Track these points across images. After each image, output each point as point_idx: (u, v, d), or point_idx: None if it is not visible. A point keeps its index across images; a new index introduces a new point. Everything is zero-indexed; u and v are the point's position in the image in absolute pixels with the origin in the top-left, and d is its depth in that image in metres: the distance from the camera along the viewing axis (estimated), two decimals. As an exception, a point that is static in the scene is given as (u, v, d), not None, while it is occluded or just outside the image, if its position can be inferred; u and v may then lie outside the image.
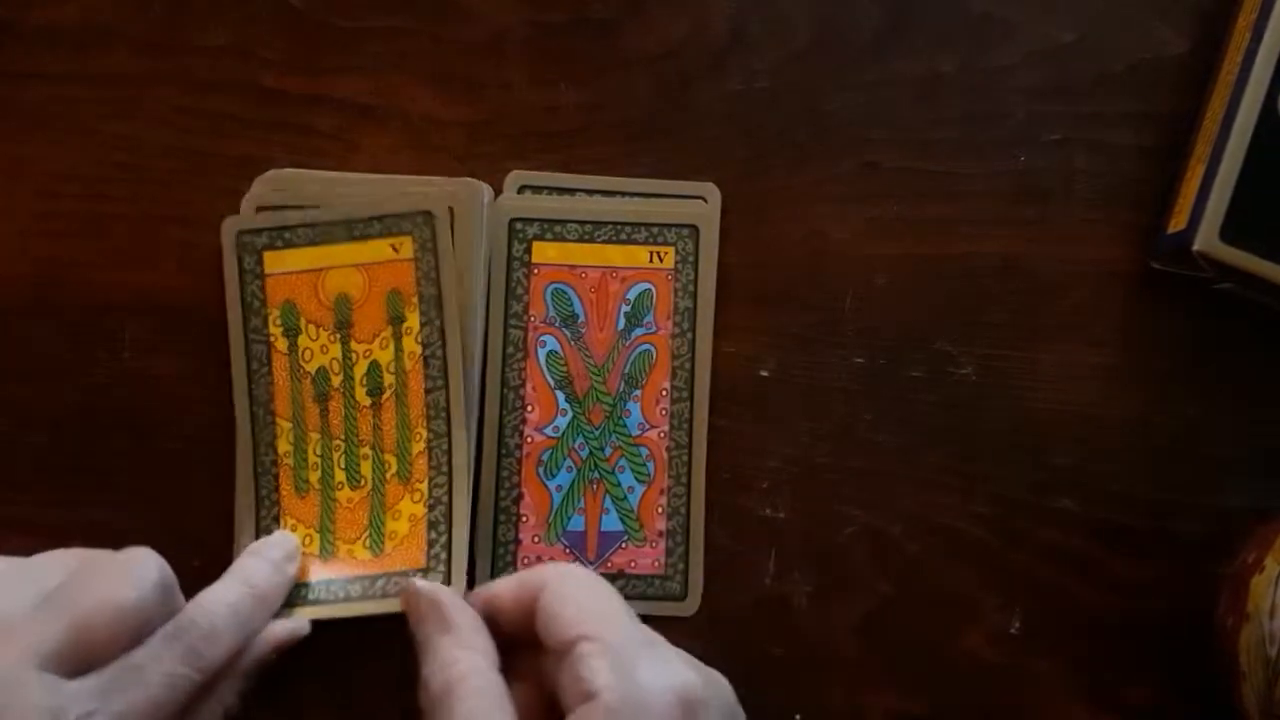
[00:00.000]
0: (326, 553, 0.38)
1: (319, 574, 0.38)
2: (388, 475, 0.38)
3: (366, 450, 0.38)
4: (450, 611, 0.33)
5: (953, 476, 0.40)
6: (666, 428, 0.40)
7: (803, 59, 0.41)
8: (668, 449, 0.40)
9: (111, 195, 0.40)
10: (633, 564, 0.40)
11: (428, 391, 0.38)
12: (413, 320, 0.38)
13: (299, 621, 0.37)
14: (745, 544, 0.40)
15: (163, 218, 0.40)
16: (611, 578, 0.39)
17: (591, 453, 0.40)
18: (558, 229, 0.40)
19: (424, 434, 0.38)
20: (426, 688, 0.31)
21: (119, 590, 0.32)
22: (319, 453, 0.38)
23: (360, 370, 0.38)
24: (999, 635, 0.40)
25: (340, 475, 0.38)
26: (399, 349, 0.38)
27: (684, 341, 0.40)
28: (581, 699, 0.29)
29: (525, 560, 0.39)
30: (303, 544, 0.38)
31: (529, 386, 0.40)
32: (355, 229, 0.39)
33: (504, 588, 0.33)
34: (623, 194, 0.40)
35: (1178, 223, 0.39)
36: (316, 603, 0.38)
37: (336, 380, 0.39)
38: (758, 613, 0.40)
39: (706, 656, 0.32)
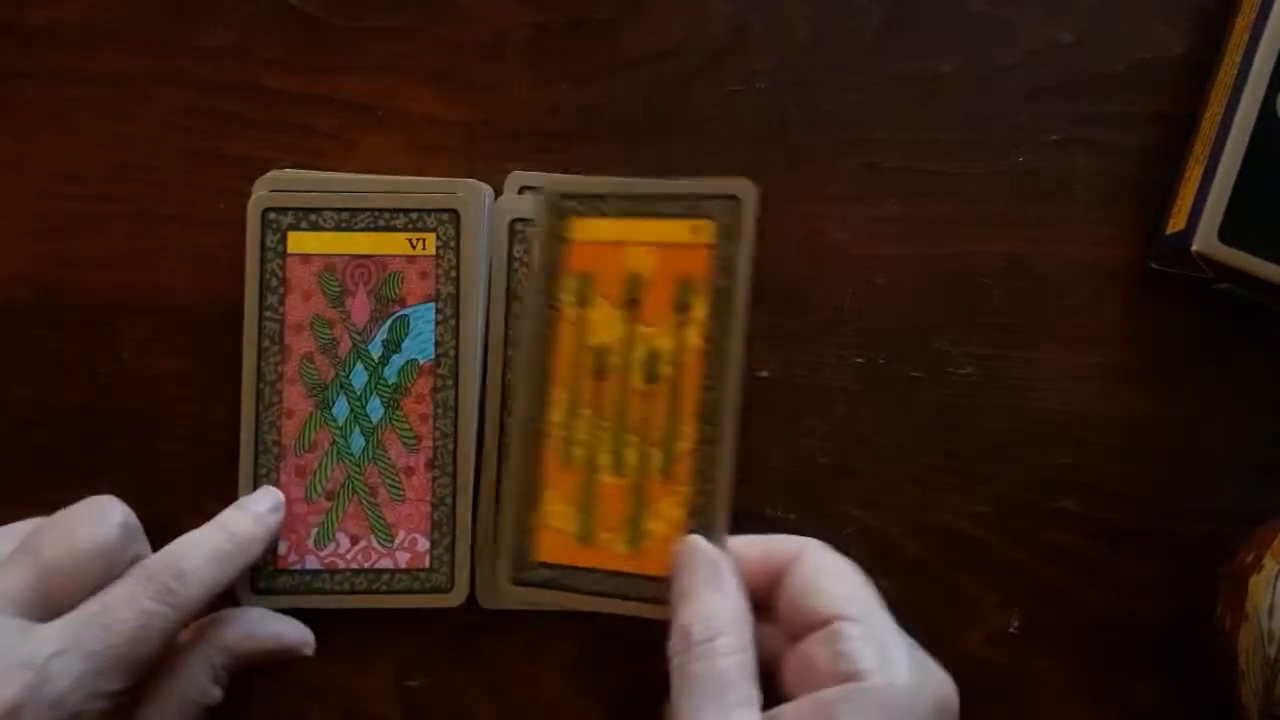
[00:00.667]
0: (585, 538, 0.37)
1: (576, 559, 0.37)
2: (651, 469, 0.36)
3: (633, 438, 0.36)
4: (724, 574, 0.32)
5: (953, 476, 0.40)
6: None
7: (803, 59, 0.41)
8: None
9: (111, 195, 0.40)
10: None
11: (704, 390, 0.36)
12: (699, 311, 0.36)
13: (305, 634, 0.37)
14: (745, 544, 0.40)
15: (163, 218, 0.40)
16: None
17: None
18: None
19: (693, 433, 0.36)
20: (686, 634, 0.31)
21: (82, 533, 0.33)
22: (589, 430, 0.37)
23: (639, 354, 0.37)
24: (999, 635, 0.40)
25: (606, 458, 0.37)
26: (681, 339, 0.36)
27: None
28: (840, 678, 0.28)
29: None
30: (562, 522, 0.37)
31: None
32: (658, 205, 0.37)
33: (749, 549, 0.33)
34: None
35: (1177, 223, 0.39)
36: (573, 590, 0.36)
37: (616, 360, 0.37)
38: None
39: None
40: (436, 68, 0.41)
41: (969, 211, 0.41)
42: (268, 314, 0.39)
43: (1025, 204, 0.41)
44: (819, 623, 0.30)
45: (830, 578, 0.31)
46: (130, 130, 0.41)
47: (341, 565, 0.39)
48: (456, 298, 0.39)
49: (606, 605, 0.37)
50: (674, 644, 0.31)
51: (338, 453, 0.39)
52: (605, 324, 0.37)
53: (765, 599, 0.33)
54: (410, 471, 0.39)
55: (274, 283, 0.39)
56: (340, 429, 0.39)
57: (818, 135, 0.41)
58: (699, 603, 0.32)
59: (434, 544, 0.39)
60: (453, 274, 0.39)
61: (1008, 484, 0.40)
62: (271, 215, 0.39)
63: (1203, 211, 0.37)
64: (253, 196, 0.39)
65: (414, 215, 0.39)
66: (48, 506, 0.36)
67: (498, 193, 0.40)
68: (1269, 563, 0.36)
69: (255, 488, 0.39)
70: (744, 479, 0.40)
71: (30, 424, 0.40)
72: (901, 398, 0.40)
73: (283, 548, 0.39)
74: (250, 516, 0.37)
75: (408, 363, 0.39)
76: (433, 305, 0.39)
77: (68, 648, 0.31)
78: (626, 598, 0.36)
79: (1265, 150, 0.37)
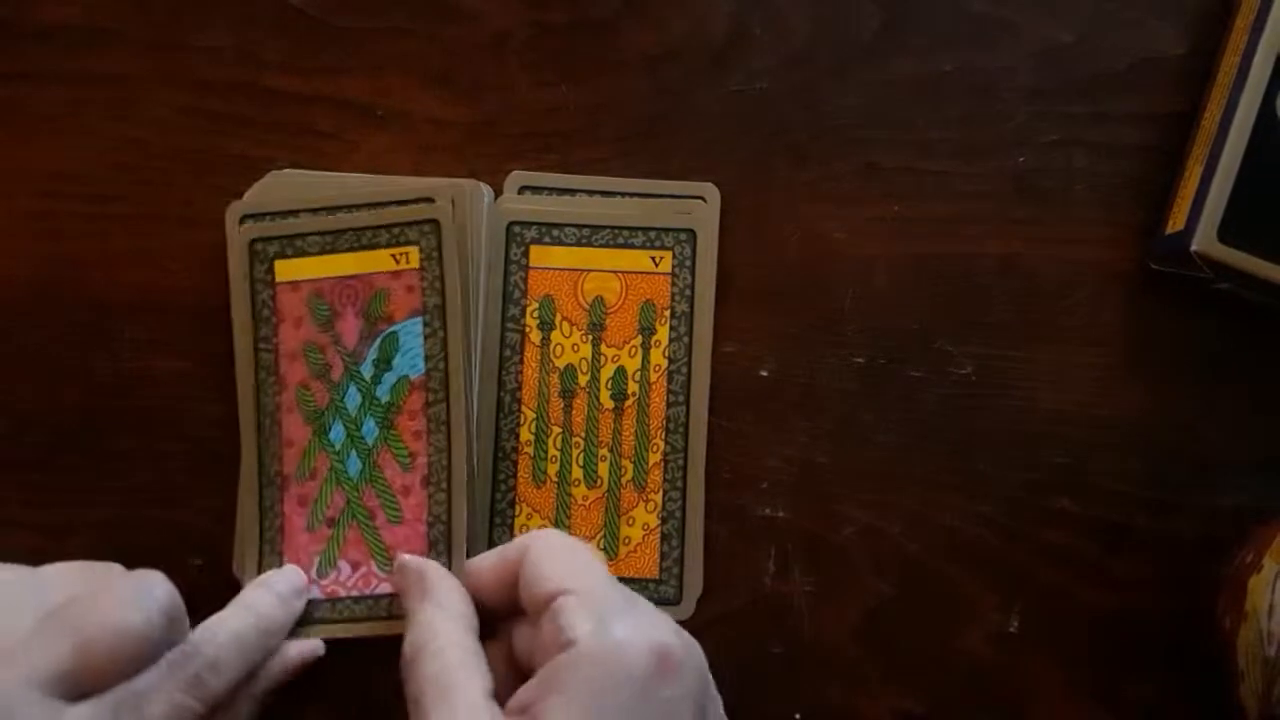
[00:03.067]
0: None
1: None
2: (624, 480, 0.39)
3: (605, 452, 0.39)
4: (430, 581, 0.34)
5: (953, 476, 0.40)
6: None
7: (803, 59, 0.41)
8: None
9: (111, 195, 0.40)
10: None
11: (669, 405, 0.39)
12: (662, 334, 0.39)
13: (314, 643, 0.37)
14: (745, 544, 0.40)
15: (163, 218, 0.40)
16: None
17: (589, 456, 0.40)
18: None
19: (661, 446, 0.39)
20: (403, 653, 0.31)
21: (125, 614, 0.32)
22: (559, 447, 0.39)
23: (607, 374, 0.39)
24: (999, 635, 0.40)
25: (578, 473, 0.39)
26: (646, 359, 0.39)
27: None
28: (561, 647, 0.29)
29: None
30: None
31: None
32: (620, 236, 0.40)
33: (485, 560, 0.34)
34: (623, 194, 0.40)
35: (1176, 223, 0.39)
36: None
37: (584, 380, 0.39)
38: (758, 613, 0.40)
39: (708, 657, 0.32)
40: (436, 68, 0.41)
41: (969, 211, 0.41)
42: (262, 345, 0.39)
43: (1025, 204, 0.41)
44: (545, 605, 0.30)
45: (550, 561, 0.31)
46: (130, 130, 0.41)
47: (342, 593, 0.38)
48: (443, 309, 0.38)
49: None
50: (400, 666, 0.31)
51: (336, 478, 0.39)
52: (571, 346, 0.39)
53: (512, 605, 0.33)
54: (407, 491, 0.38)
55: (265, 313, 0.39)
56: (337, 453, 0.39)
57: (818, 135, 0.41)
58: (410, 619, 0.33)
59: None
60: (438, 285, 0.38)
61: (1008, 484, 0.40)
62: (258, 245, 0.39)
63: (1202, 211, 0.37)
64: (233, 228, 0.39)
65: (395, 230, 0.38)
66: (47, 507, 0.36)
67: (498, 193, 0.40)
68: (1269, 563, 0.36)
69: (261, 521, 0.38)
70: (744, 479, 0.40)
71: (30, 424, 0.40)
72: (901, 398, 0.40)
73: None
74: (275, 599, 0.36)
75: (399, 379, 0.39)
76: (420, 319, 0.39)
77: None
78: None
79: (1265, 150, 0.37)
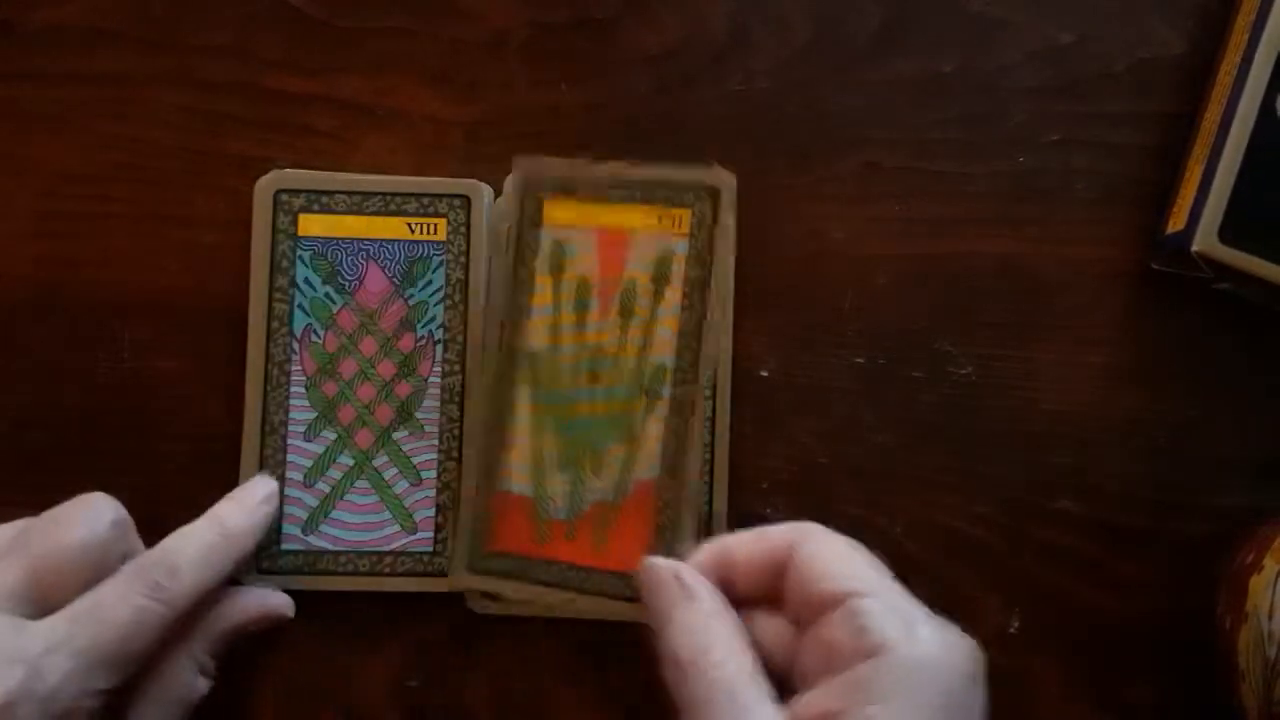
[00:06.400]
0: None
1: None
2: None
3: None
4: (690, 584, 0.31)
5: (953, 476, 0.40)
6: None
7: (803, 59, 0.41)
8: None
9: (112, 195, 0.40)
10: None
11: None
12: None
13: (281, 597, 0.38)
14: (745, 544, 0.40)
15: (163, 218, 0.40)
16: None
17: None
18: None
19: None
20: (675, 660, 0.30)
21: (73, 530, 0.33)
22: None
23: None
24: (999, 635, 0.40)
25: None
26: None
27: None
28: (866, 654, 0.27)
29: None
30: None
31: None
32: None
33: (743, 543, 0.32)
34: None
35: (1177, 223, 0.39)
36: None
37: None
38: (758, 612, 0.40)
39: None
40: (436, 68, 0.41)
41: (969, 211, 0.41)
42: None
43: (1025, 204, 0.41)
44: (832, 604, 0.29)
45: (835, 558, 0.30)
46: (130, 130, 0.41)
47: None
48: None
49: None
50: (667, 672, 0.30)
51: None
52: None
53: (770, 591, 0.31)
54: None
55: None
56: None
57: (818, 135, 0.41)
58: (675, 623, 0.30)
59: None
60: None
61: (1008, 484, 0.40)
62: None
63: (1203, 211, 0.37)
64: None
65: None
66: (47, 507, 0.36)
67: (497, 193, 0.40)
68: (1269, 563, 0.36)
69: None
70: (744, 479, 0.40)
71: (30, 424, 0.40)
72: (901, 398, 0.40)
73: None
74: (243, 509, 0.37)
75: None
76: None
77: (59, 644, 0.31)
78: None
79: (1265, 150, 0.37)
